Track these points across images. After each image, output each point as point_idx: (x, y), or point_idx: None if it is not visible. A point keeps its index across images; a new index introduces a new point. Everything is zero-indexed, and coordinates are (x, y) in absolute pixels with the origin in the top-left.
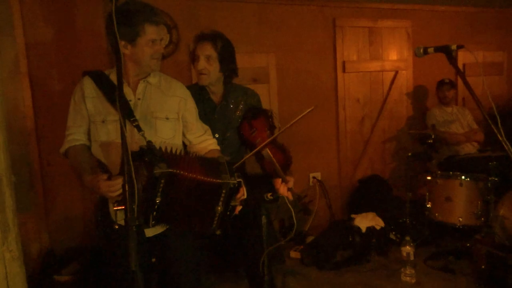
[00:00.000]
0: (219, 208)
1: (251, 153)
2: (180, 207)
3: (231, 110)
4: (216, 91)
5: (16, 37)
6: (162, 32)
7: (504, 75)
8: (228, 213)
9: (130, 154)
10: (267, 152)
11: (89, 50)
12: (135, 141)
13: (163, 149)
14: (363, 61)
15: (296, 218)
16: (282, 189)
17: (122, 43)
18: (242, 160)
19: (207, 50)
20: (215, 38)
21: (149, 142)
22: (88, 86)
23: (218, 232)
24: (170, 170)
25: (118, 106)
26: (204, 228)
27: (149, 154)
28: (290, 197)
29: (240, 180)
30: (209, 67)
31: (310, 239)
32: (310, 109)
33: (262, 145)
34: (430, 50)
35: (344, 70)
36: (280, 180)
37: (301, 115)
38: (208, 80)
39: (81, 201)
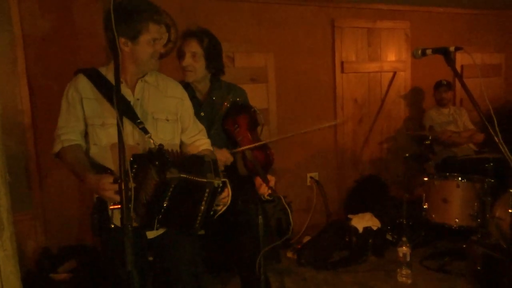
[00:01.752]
0: (202, 207)
1: (237, 150)
2: (178, 209)
3: (216, 108)
4: (202, 89)
5: (14, 33)
6: (162, 31)
7: (502, 77)
8: (211, 213)
9: (125, 155)
10: (248, 151)
11: (87, 46)
12: (137, 143)
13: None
14: (361, 61)
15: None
16: (262, 188)
17: (122, 40)
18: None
19: (193, 47)
20: (201, 35)
21: (160, 145)
22: (85, 86)
23: (201, 232)
24: (181, 175)
25: (115, 106)
26: (187, 228)
27: (160, 158)
28: (268, 197)
29: (225, 180)
30: (195, 64)
31: (307, 239)
32: (334, 122)
33: (250, 147)
34: (428, 51)
35: (342, 71)
36: (260, 179)
37: (319, 126)
38: (194, 77)
39: (78, 199)
